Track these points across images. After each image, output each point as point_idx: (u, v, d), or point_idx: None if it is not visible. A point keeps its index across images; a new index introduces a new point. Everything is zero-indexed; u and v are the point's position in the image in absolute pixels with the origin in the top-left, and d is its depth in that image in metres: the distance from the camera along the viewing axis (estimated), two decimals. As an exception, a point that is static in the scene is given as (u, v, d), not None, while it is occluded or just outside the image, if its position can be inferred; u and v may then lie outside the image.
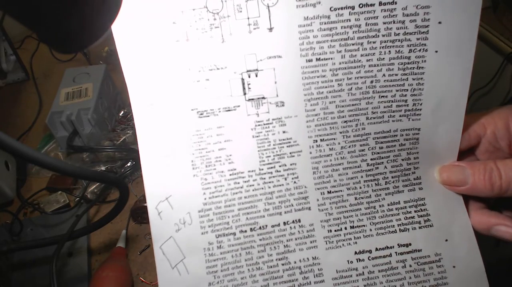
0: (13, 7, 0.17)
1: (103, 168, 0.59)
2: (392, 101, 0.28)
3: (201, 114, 0.28)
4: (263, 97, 0.28)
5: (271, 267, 0.28)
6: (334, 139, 0.28)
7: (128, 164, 0.59)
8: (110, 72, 0.67)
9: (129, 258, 0.49)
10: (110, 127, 0.63)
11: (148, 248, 0.50)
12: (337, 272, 0.28)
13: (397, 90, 0.28)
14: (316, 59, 0.27)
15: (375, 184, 0.29)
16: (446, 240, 0.28)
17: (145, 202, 0.51)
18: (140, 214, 0.52)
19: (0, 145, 0.22)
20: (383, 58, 0.27)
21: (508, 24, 0.97)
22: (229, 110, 0.28)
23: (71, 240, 0.46)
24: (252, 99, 0.28)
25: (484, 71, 1.01)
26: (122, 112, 0.66)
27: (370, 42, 0.27)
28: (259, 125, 0.28)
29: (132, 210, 0.52)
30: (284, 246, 0.29)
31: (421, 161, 0.29)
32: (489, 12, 1.02)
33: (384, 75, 0.27)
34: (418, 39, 0.27)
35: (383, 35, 0.26)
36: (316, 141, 0.29)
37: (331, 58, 0.27)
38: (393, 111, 0.28)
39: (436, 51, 0.27)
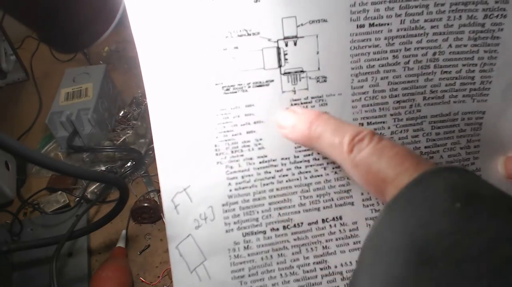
0: (13, 7, 0.17)
1: (103, 168, 0.59)
2: (456, 79, 0.24)
3: (227, 90, 0.24)
4: (302, 71, 0.24)
5: (308, 271, 0.25)
6: (384, 123, 0.24)
7: (128, 164, 0.59)
8: (110, 72, 0.67)
9: (129, 258, 0.49)
10: (110, 127, 0.63)
11: (148, 248, 0.50)
12: None
13: (463, 65, 0.24)
14: (369, 24, 0.23)
15: None
16: None
17: (145, 202, 0.51)
18: (140, 214, 0.52)
19: (0, 145, 0.22)
20: (452, 25, 0.23)
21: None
22: (260, 85, 0.24)
23: (71, 240, 0.46)
24: (289, 72, 0.24)
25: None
26: (122, 112, 0.66)
27: (438, 4, 0.22)
28: (295, 104, 0.24)
29: (132, 210, 0.52)
30: (323, 247, 0.25)
31: (482, 150, 0.25)
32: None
33: (450, 46, 0.23)
34: (496, 1, 0.22)
35: None
36: (362, 124, 0.25)
37: (388, 24, 0.23)
38: (456, 91, 0.24)
39: None
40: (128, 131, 0.61)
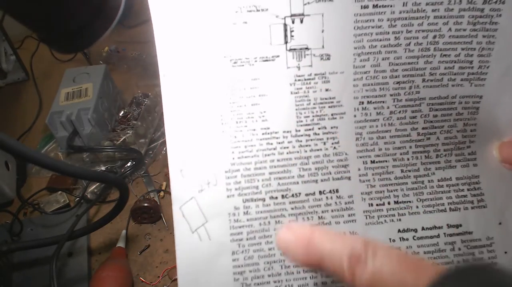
0: (13, 7, 0.17)
1: (103, 168, 0.59)
2: (455, 62, 0.25)
3: (235, 63, 0.25)
4: (307, 48, 0.25)
5: None
6: (383, 102, 0.25)
7: (128, 164, 0.59)
8: (110, 72, 0.67)
9: (129, 258, 0.49)
10: (110, 127, 0.63)
11: (148, 248, 0.50)
12: None
13: (462, 49, 0.24)
14: (373, 5, 0.24)
15: (425, 156, 0.26)
16: (500, 223, 0.26)
17: (145, 202, 0.51)
18: (140, 214, 0.52)
19: (0, 145, 0.22)
20: (452, 9, 0.24)
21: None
22: (266, 60, 0.25)
23: (71, 240, 0.46)
24: (294, 49, 0.25)
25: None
26: (122, 112, 0.66)
27: None
28: (299, 80, 0.25)
29: (132, 210, 0.52)
30: (319, 217, 0.26)
31: (478, 134, 0.26)
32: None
33: (450, 29, 0.24)
34: None
35: None
36: (363, 103, 0.25)
37: (391, 6, 0.23)
38: (455, 74, 0.25)
39: None
40: (128, 131, 0.61)
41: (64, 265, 0.48)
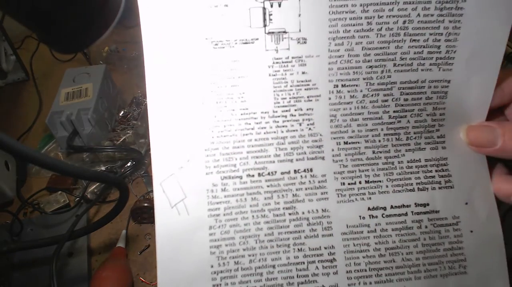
0: (13, 7, 0.17)
1: (103, 168, 0.59)
2: (424, 47, 0.26)
3: (216, 45, 0.26)
4: (285, 32, 0.26)
5: (277, 215, 0.27)
6: (357, 85, 0.26)
7: (128, 164, 0.59)
8: (110, 72, 0.67)
9: (129, 258, 0.49)
10: (110, 127, 0.63)
11: (148, 248, 0.50)
12: (347, 227, 0.27)
13: (430, 34, 0.26)
14: None
15: (396, 138, 0.27)
16: (466, 203, 0.27)
17: (145, 202, 0.51)
18: (140, 214, 0.52)
19: (0, 145, 0.22)
20: None
21: (508, 24, 0.97)
22: (246, 43, 0.26)
23: (71, 240, 0.46)
24: (273, 32, 0.26)
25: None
26: (122, 112, 0.66)
27: None
28: (277, 63, 0.26)
29: (132, 210, 0.52)
30: (293, 195, 0.27)
31: (447, 117, 0.27)
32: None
33: (418, 15, 0.25)
34: None
35: None
36: (337, 86, 0.27)
37: None
38: (424, 59, 0.26)
39: None
40: (128, 131, 0.61)
41: (64, 265, 0.48)
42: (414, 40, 0.26)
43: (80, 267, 0.48)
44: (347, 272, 0.26)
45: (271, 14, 0.25)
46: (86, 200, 0.56)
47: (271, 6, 0.25)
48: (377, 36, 0.26)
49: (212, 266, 0.26)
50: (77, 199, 0.56)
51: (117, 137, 0.60)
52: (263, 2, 0.25)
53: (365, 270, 0.26)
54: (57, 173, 0.53)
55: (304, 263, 0.26)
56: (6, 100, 0.76)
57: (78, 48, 0.19)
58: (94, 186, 0.57)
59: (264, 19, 0.26)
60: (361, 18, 0.25)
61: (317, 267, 0.26)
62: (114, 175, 0.57)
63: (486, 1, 0.25)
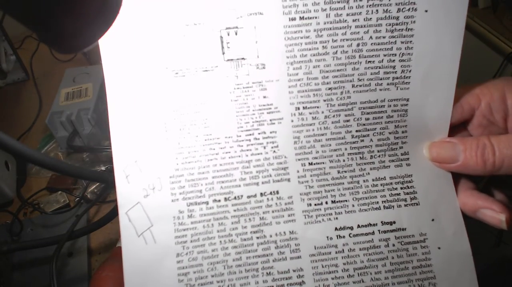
0: (12, 7, 0.17)
1: (103, 168, 0.59)
2: (380, 68, 0.26)
3: (176, 73, 0.26)
4: (243, 58, 0.26)
5: (245, 239, 0.26)
6: (318, 107, 0.27)
7: (128, 164, 0.59)
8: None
9: (129, 258, 0.49)
10: (110, 127, 0.63)
11: (148, 248, 0.50)
12: (315, 248, 0.27)
13: (384, 55, 0.26)
14: (300, 17, 0.25)
15: (360, 157, 0.27)
16: (433, 220, 0.27)
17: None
18: (140, 214, 0.52)
19: (0, 145, 0.22)
20: (370, 18, 0.25)
21: (508, 24, 0.97)
22: (206, 70, 0.26)
23: (71, 240, 0.46)
24: (231, 59, 0.26)
25: (484, 71, 1.01)
26: (122, 112, 0.66)
27: (357, 0, 0.25)
28: (238, 88, 0.27)
29: (132, 210, 0.52)
30: (260, 218, 0.27)
31: (410, 135, 0.27)
32: (489, 12, 1.02)
33: (371, 37, 0.26)
34: None
35: None
36: (299, 108, 0.27)
37: (316, 17, 0.25)
38: (381, 79, 0.27)
39: (426, 11, 0.25)
40: (128, 131, 0.61)
41: (64, 265, 0.48)
42: (370, 61, 0.26)
43: (80, 267, 0.48)
44: None
45: (228, 42, 0.26)
46: (86, 200, 0.56)
47: (228, 34, 0.26)
48: (333, 59, 0.26)
49: None
50: (77, 199, 0.56)
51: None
52: (220, 31, 0.26)
53: None
54: (57, 173, 0.53)
55: None
56: (6, 100, 0.76)
57: (78, 48, 0.19)
58: (94, 186, 0.57)
59: (222, 47, 0.26)
60: (316, 42, 0.26)
61: None
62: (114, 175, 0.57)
63: (435, 20, 0.25)
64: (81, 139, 0.58)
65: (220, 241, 0.26)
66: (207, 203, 0.27)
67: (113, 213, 0.38)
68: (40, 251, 0.48)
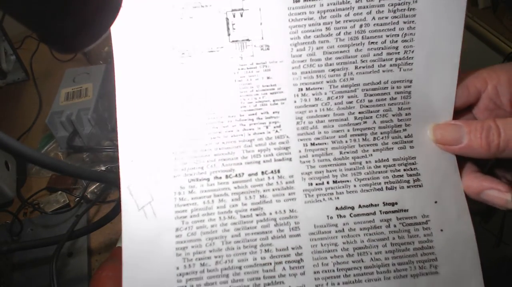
0: (12, 7, 0.17)
1: (103, 168, 0.59)
2: (383, 49, 0.27)
3: (183, 54, 0.27)
4: (248, 40, 0.27)
5: (245, 216, 0.27)
6: (321, 88, 0.27)
7: (128, 164, 0.59)
8: (110, 72, 0.66)
9: (129, 258, 0.49)
10: (110, 127, 0.63)
11: (148, 248, 0.50)
12: (315, 227, 0.27)
13: (387, 36, 0.26)
14: None
15: (363, 139, 0.27)
16: (436, 202, 0.27)
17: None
18: (140, 214, 0.52)
19: (0, 145, 0.22)
20: None
21: (508, 24, 0.97)
22: (212, 51, 0.27)
23: (71, 240, 0.46)
24: (236, 41, 0.27)
25: (484, 71, 1.01)
26: (122, 112, 0.66)
27: None
28: (242, 69, 0.27)
29: (132, 210, 0.52)
30: (260, 196, 0.27)
31: (413, 117, 0.27)
32: (489, 12, 1.02)
33: (374, 18, 0.26)
34: None
35: None
36: (302, 89, 0.27)
37: None
38: (384, 60, 0.27)
39: None
40: (128, 131, 0.61)
41: (64, 265, 0.48)
42: (373, 42, 0.27)
43: (80, 267, 0.48)
44: (314, 272, 0.26)
45: (234, 24, 0.27)
46: (86, 200, 0.56)
47: (234, 16, 0.26)
48: (336, 41, 0.26)
49: (177, 268, 0.26)
50: (77, 199, 0.56)
51: (117, 137, 0.60)
52: (226, 13, 0.26)
53: (333, 271, 0.26)
54: (57, 173, 0.53)
55: (271, 264, 0.26)
56: (6, 100, 0.76)
57: (78, 48, 0.19)
58: (94, 186, 0.57)
59: (228, 29, 0.27)
60: (320, 24, 0.26)
61: (284, 268, 0.26)
62: (114, 175, 0.57)
63: (437, 0, 0.25)
64: (81, 139, 0.58)
65: (220, 217, 0.27)
66: (208, 179, 0.27)
67: (113, 213, 0.38)
68: (40, 251, 0.48)
